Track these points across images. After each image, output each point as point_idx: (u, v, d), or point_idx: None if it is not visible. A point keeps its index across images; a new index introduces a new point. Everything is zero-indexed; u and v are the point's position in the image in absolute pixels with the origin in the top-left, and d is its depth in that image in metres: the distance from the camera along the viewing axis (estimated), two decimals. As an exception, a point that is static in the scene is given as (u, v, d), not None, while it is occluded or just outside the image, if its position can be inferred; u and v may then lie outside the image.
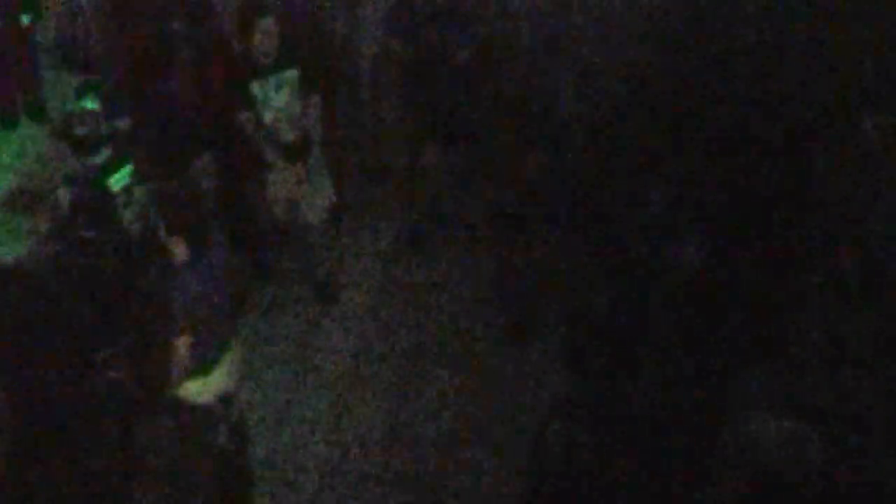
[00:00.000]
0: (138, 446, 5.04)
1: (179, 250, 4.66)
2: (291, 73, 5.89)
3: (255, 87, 5.85)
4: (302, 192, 6.15)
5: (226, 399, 5.05)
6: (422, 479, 5.53)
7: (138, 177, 5.32)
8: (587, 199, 6.05)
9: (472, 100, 6.43)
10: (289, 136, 6.00)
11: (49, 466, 4.73)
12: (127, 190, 5.25)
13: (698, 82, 6.11)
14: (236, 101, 5.88)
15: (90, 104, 5.17)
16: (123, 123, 5.50)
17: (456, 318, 6.39)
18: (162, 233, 4.66)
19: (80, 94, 5.27)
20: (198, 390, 4.92)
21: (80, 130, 5.14)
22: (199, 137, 6.12)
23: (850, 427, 4.68)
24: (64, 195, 5.28)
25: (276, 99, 5.91)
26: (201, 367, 4.86)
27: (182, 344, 4.74)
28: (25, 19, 6.86)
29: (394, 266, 6.75)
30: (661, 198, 5.75)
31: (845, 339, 5.01)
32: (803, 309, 5.19)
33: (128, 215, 5.20)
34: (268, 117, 5.92)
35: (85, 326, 4.86)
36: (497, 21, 6.57)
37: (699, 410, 4.89)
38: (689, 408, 4.89)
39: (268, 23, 5.74)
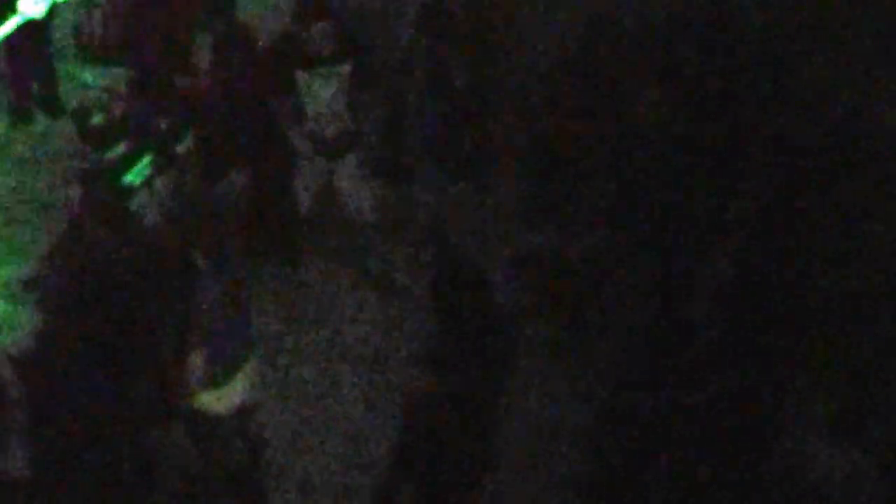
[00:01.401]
0: (152, 456, 5.00)
1: (199, 260, 4.55)
2: (344, 68, 5.84)
3: (303, 77, 5.79)
4: (344, 186, 6.05)
5: (242, 411, 4.98)
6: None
7: (159, 168, 5.16)
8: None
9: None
10: (331, 129, 5.90)
11: (64, 475, 4.67)
12: (148, 183, 5.11)
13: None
14: (270, 89, 5.87)
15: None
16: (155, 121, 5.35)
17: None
18: (182, 240, 4.57)
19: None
20: (214, 403, 4.86)
21: (96, 119, 4.98)
22: (233, 135, 5.96)
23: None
24: (75, 193, 5.16)
25: (324, 91, 5.82)
26: (218, 378, 4.79)
27: (199, 354, 4.70)
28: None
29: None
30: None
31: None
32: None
33: (149, 212, 5.04)
34: (311, 108, 5.85)
35: (100, 337, 4.70)
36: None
37: (749, 428, 4.69)
38: (738, 425, 4.68)
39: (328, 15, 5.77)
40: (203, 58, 6.11)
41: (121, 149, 5.14)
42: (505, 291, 5.67)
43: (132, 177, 5.03)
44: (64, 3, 5.54)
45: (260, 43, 6.18)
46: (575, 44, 6.31)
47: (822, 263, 5.39)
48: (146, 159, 5.14)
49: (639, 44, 6.20)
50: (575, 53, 6.24)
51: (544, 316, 5.97)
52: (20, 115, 6.98)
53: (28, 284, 5.58)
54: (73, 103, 5.07)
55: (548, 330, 5.96)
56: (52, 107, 6.96)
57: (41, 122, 6.99)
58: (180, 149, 5.48)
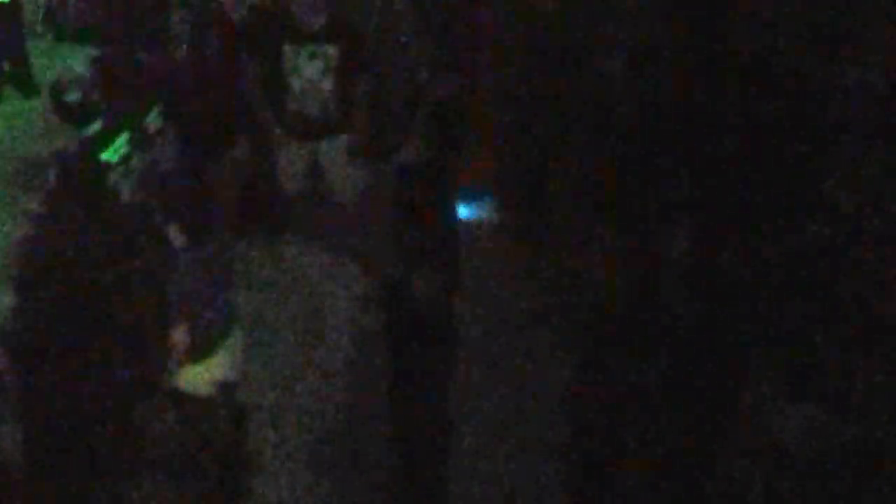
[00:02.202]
0: (137, 433, 4.90)
1: (177, 237, 4.51)
2: (331, 49, 5.80)
3: (288, 51, 5.77)
4: (326, 164, 6.05)
5: (225, 386, 4.93)
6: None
7: (137, 145, 5.13)
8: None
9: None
10: (313, 109, 5.88)
11: (50, 459, 4.65)
12: (125, 160, 5.07)
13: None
14: (252, 63, 5.86)
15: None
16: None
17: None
18: (160, 217, 4.52)
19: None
20: (197, 378, 4.82)
21: (70, 97, 4.93)
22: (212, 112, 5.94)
23: (874, 413, 4.56)
24: (52, 172, 5.11)
25: (309, 69, 5.79)
26: (199, 353, 4.76)
27: (180, 331, 4.65)
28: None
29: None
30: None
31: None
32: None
33: (126, 189, 5.01)
34: (296, 85, 5.82)
35: (76, 315, 4.68)
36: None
37: (714, 400, 4.77)
38: (704, 397, 4.77)
39: None
40: (180, 33, 6.07)
41: (96, 126, 5.10)
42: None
43: (108, 154, 4.98)
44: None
45: (240, 14, 6.12)
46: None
47: (775, 229, 5.42)
48: (122, 137, 5.09)
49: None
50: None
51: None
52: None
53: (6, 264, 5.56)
54: (48, 80, 4.98)
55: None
56: (26, 86, 6.93)
57: (14, 101, 6.96)
58: (152, 126, 5.44)
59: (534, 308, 6.13)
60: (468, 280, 5.98)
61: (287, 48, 5.77)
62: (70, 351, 4.77)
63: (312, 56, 5.79)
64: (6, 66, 6.96)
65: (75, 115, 5.04)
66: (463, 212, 6.22)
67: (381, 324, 5.03)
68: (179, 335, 4.68)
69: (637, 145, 5.43)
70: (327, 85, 5.87)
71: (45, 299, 4.92)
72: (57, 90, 5.05)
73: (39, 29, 7.07)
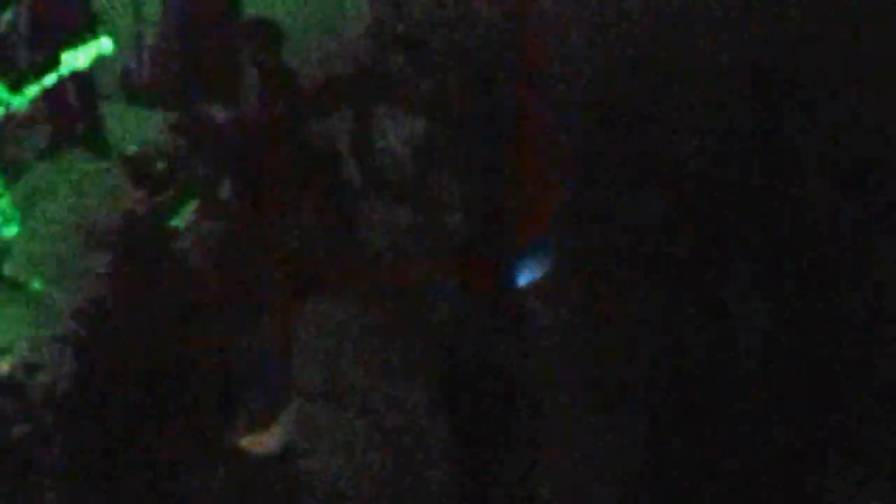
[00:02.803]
0: (193, 497, 4.97)
1: (243, 303, 4.56)
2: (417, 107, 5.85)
3: (374, 111, 5.80)
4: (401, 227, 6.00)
5: (283, 454, 5.03)
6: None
7: (207, 213, 5.18)
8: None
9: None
10: (396, 169, 5.90)
11: None
12: (192, 227, 5.12)
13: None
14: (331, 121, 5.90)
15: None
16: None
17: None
18: (224, 284, 4.58)
19: None
20: (254, 444, 4.91)
21: (153, 167, 5.02)
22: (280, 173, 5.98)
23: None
24: (121, 236, 5.20)
25: (394, 128, 5.82)
26: (259, 421, 4.85)
27: (240, 397, 4.78)
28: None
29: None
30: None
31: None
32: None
33: (193, 255, 5.05)
34: (378, 145, 5.85)
35: (141, 377, 4.72)
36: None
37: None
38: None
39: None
40: (250, 94, 6.15)
41: (169, 193, 5.16)
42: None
43: (177, 221, 5.03)
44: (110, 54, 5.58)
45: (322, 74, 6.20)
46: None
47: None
48: (192, 203, 5.14)
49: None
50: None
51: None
52: (64, 156, 7.09)
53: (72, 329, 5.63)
54: (130, 150, 5.09)
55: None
56: (99, 148, 7.06)
57: (85, 163, 7.09)
58: (224, 192, 5.50)
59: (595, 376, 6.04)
60: (531, 345, 6.00)
61: (375, 108, 5.78)
62: (127, 413, 4.82)
63: (397, 113, 5.80)
64: (80, 129, 7.11)
65: (153, 184, 5.11)
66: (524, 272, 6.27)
67: (444, 390, 5.00)
68: (239, 402, 4.72)
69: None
70: (409, 148, 5.87)
71: (106, 361, 4.98)
72: (144, 161, 5.12)
73: (112, 91, 7.18)
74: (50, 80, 5.39)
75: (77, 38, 6.76)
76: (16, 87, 5.43)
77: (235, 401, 4.79)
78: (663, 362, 5.46)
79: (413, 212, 6.00)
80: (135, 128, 6.87)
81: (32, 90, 5.40)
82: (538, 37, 6.35)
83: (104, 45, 5.45)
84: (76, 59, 5.39)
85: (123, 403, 4.89)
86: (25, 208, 6.25)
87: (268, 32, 6.28)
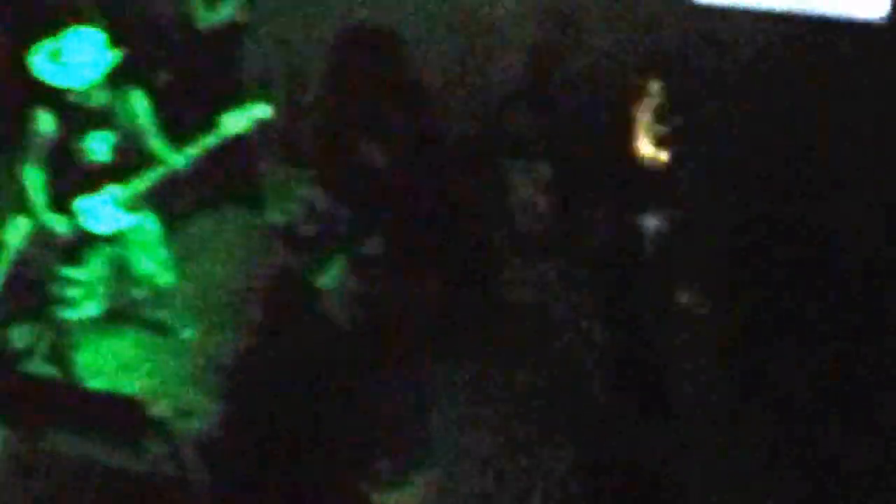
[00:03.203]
0: None
1: (390, 363, 4.63)
2: (544, 164, 5.84)
3: (505, 169, 5.79)
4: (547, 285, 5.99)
5: None
6: None
7: (355, 272, 5.29)
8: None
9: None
10: (533, 227, 5.91)
11: None
12: (340, 287, 5.24)
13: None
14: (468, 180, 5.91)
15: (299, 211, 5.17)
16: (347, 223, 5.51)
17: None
18: (368, 342, 4.65)
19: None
20: (391, 501, 4.87)
21: (306, 230, 5.15)
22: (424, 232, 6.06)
23: None
24: (272, 288, 5.34)
25: (525, 185, 5.84)
26: (397, 481, 4.84)
27: (379, 456, 4.77)
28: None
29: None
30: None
31: None
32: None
33: (340, 314, 5.16)
34: (512, 203, 5.87)
35: (282, 431, 4.83)
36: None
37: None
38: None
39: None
40: (397, 152, 6.26)
41: (318, 253, 5.30)
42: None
43: (325, 280, 5.14)
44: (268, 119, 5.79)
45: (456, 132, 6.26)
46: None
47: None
48: (339, 263, 5.25)
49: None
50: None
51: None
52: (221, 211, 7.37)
53: (221, 376, 5.81)
54: (282, 216, 5.24)
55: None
56: (254, 203, 7.33)
57: (242, 218, 7.34)
58: (370, 249, 5.60)
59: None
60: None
61: (505, 164, 5.78)
62: (267, 462, 4.91)
63: (527, 171, 5.80)
64: (236, 185, 7.37)
65: (302, 244, 5.24)
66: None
67: (590, 461, 4.94)
68: (378, 461, 4.75)
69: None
70: (543, 202, 5.85)
71: (250, 411, 5.11)
72: (293, 223, 5.25)
73: (267, 149, 7.41)
74: (210, 141, 5.62)
75: (237, 100, 7.09)
76: (178, 147, 5.69)
77: (373, 458, 4.81)
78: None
79: (559, 265, 5.99)
80: (288, 186, 7.09)
81: (193, 150, 5.64)
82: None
83: (263, 109, 5.67)
84: (236, 122, 5.61)
85: (265, 453, 4.99)
86: (182, 259, 6.46)
87: (413, 91, 6.41)
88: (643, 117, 6.05)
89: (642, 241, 6.23)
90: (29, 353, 6.16)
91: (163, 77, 7.41)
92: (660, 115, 6.12)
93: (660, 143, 6.02)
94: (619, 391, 5.51)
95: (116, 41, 5.48)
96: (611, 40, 6.89)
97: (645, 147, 6.06)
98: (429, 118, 6.73)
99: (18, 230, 5.19)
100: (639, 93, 6.11)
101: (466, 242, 6.05)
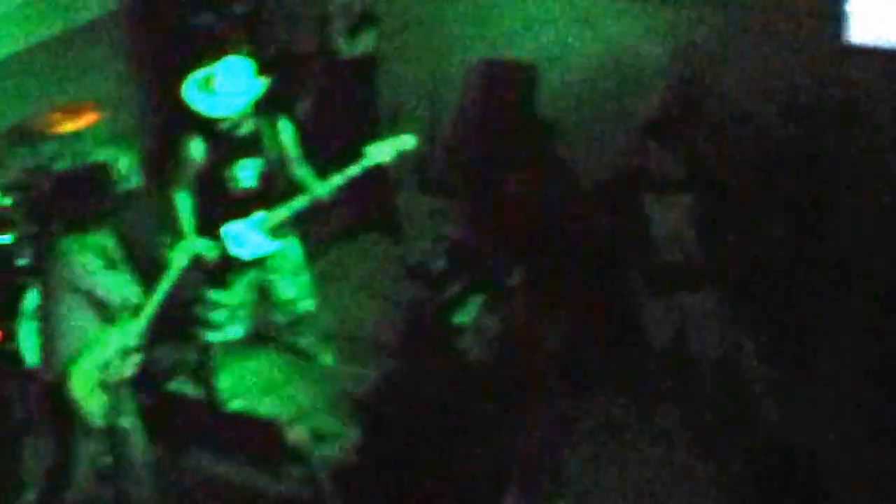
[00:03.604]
0: None
1: (523, 399, 4.61)
2: (689, 197, 5.70)
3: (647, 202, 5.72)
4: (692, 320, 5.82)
5: None
6: None
7: (493, 307, 5.28)
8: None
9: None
10: (677, 259, 5.73)
11: None
12: (476, 325, 5.24)
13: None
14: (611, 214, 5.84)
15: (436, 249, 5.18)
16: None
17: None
18: (502, 379, 4.64)
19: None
20: None
21: (436, 266, 5.17)
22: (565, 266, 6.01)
23: None
24: (409, 318, 5.37)
25: (669, 218, 5.71)
26: None
27: (512, 491, 4.72)
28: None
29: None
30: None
31: None
32: None
33: (475, 350, 5.15)
34: (659, 235, 5.71)
35: (417, 463, 4.85)
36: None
37: None
38: None
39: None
40: (532, 188, 6.24)
41: (454, 289, 5.31)
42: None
43: (462, 317, 5.14)
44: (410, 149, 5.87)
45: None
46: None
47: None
48: (477, 299, 5.25)
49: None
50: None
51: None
52: (360, 239, 7.48)
53: (357, 403, 5.87)
54: (418, 249, 5.27)
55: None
56: (392, 233, 7.42)
57: (381, 247, 7.44)
58: (509, 283, 5.58)
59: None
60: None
61: (648, 197, 5.68)
62: (400, 491, 4.94)
63: (672, 205, 5.73)
64: (375, 214, 7.48)
65: (436, 281, 5.25)
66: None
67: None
68: (511, 496, 4.72)
69: None
70: (689, 234, 5.78)
71: (385, 439, 5.15)
72: (422, 261, 5.27)
73: (406, 180, 7.49)
74: (353, 171, 5.71)
75: (377, 129, 7.20)
76: (322, 176, 5.78)
77: (505, 492, 4.78)
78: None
79: (704, 299, 5.88)
80: (425, 217, 7.17)
81: (337, 179, 5.73)
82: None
83: (407, 140, 5.73)
84: (381, 153, 5.69)
85: (398, 483, 5.02)
86: (322, 285, 6.56)
87: (550, 127, 6.40)
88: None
89: (789, 273, 6.10)
90: (172, 372, 6.35)
91: (306, 106, 7.60)
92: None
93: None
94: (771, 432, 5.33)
95: (263, 70, 5.62)
96: (758, 77, 6.79)
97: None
98: (567, 150, 6.72)
99: (186, 251, 5.31)
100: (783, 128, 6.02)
101: (608, 276, 5.97)
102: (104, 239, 4.86)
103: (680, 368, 5.86)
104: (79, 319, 4.77)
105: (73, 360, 4.74)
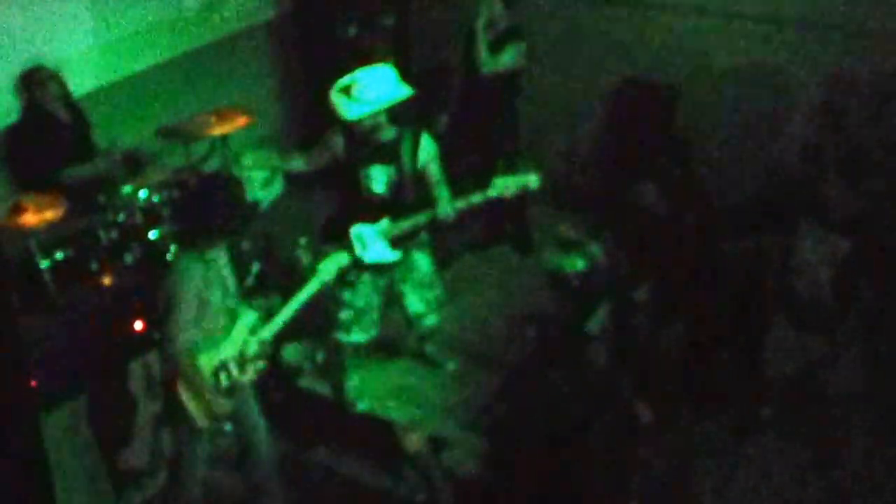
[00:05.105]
0: None
1: (645, 413, 4.54)
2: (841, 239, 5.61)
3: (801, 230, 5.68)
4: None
5: None
6: None
7: (621, 319, 5.24)
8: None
9: None
10: (812, 297, 5.64)
11: None
12: (603, 334, 5.20)
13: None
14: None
15: (580, 263, 5.16)
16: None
17: None
18: (629, 390, 4.59)
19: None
20: None
21: (574, 282, 5.13)
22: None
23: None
24: (539, 330, 5.36)
25: (813, 256, 5.63)
26: None
27: None
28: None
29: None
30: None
31: None
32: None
33: (599, 360, 5.12)
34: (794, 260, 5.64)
35: (539, 473, 4.84)
36: None
37: None
38: None
39: None
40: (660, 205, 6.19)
41: (584, 299, 5.27)
42: None
43: (591, 326, 5.11)
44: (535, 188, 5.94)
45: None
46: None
47: None
48: (605, 309, 5.22)
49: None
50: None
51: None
52: (492, 251, 7.55)
53: (482, 412, 5.91)
54: (549, 260, 5.27)
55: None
56: (524, 246, 7.46)
57: (512, 259, 7.49)
58: (639, 297, 5.53)
59: None
60: None
61: (800, 228, 5.61)
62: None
63: (820, 243, 5.60)
64: (508, 228, 7.54)
65: (570, 288, 5.21)
66: None
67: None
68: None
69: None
70: (825, 274, 5.64)
71: (506, 453, 5.16)
72: (559, 277, 5.22)
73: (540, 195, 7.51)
74: (476, 199, 5.77)
75: (513, 149, 7.25)
76: (454, 191, 5.84)
77: None
78: None
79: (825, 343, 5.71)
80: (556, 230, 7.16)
81: (461, 203, 5.79)
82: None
83: (534, 180, 5.76)
84: (506, 187, 5.74)
85: (517, 490, 5.00)
86: (451, 294, 6.62)
87: (689, 146, 6.32)
88: None
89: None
90: (299, 370, 6.50)
91: (445, 120, 7.69)
92: None
93: None
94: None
95: (407, 82, 5.72)
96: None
97: None
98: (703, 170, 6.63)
99: (335, 265, 5.31)
100: None
101: (738, 301, 5.84)
102: (218, 253, 4.89)
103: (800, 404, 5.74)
104: (189, 326, 4.78)
105: (185, 361, 4.78)
